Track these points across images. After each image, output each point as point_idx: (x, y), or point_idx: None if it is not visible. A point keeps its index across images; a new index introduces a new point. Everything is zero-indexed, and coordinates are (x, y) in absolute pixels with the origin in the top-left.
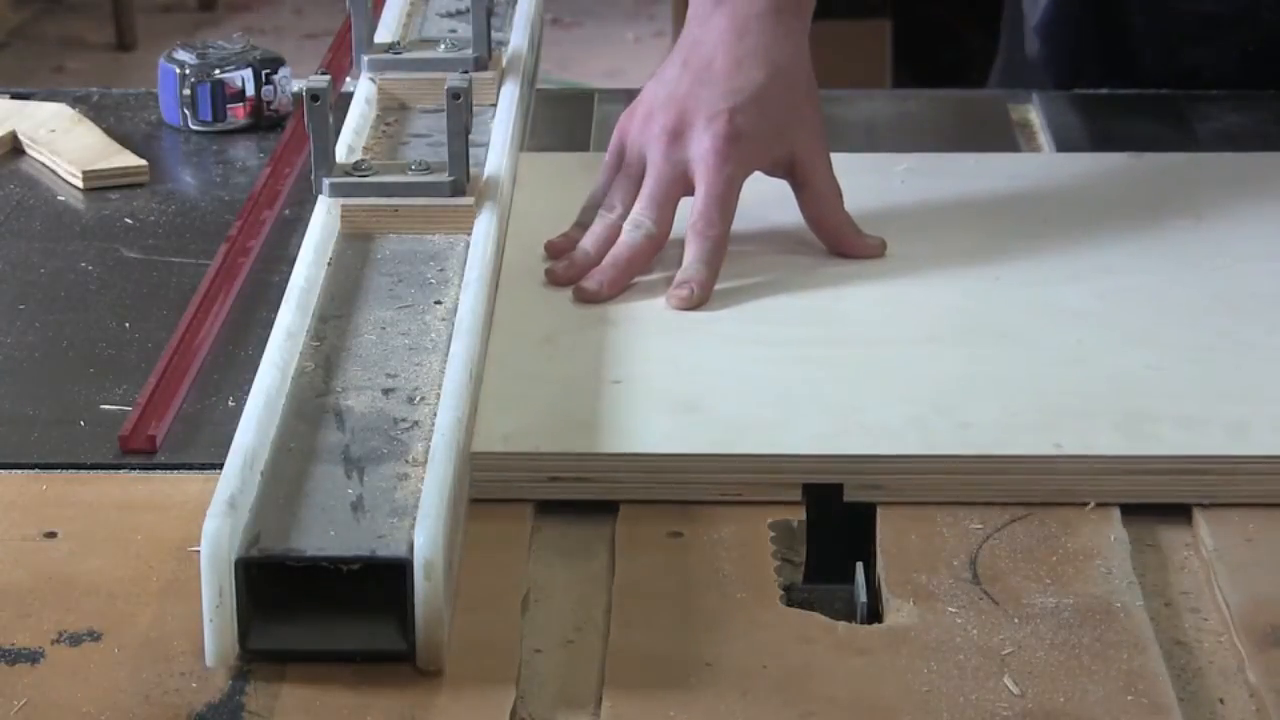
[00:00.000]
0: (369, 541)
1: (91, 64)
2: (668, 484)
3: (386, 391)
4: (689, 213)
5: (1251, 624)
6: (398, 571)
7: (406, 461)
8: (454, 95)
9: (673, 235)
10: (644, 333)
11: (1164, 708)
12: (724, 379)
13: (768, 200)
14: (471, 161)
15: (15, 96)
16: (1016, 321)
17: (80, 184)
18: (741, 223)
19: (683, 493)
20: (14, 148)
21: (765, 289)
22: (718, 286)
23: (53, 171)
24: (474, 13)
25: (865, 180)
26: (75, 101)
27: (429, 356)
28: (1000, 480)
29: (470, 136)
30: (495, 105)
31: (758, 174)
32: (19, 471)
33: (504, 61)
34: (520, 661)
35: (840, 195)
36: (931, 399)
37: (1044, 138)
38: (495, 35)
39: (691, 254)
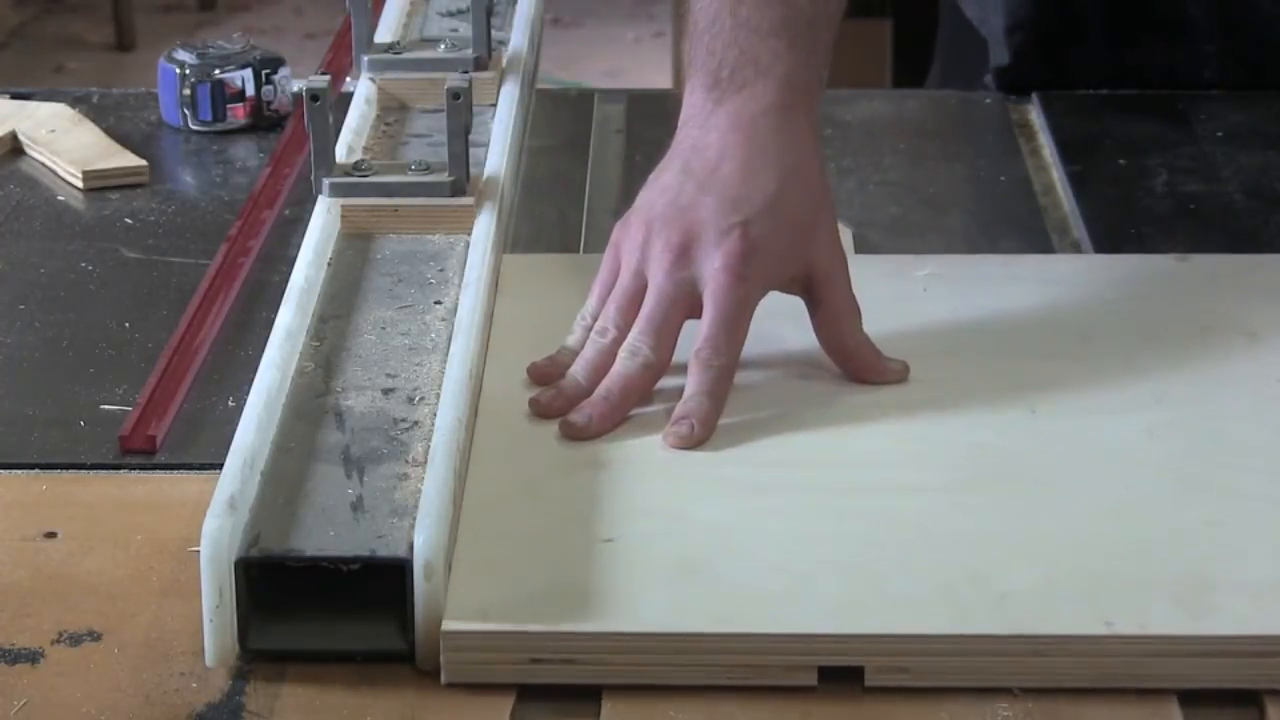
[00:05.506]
0: (369, 541)
1: (91, 64)
2: (664, 665)
3: (386, 391)
4: (694, 337)
5: None
6: (397, 571)
7: (406, 461)
8: (454, 95)
9: (675, 359)
10: (639, 478)
11: (1163, 707)
12: (727, 536)
13: (775, 314)
14: (471, 161)
15: (15, 96)
16: (1056, 465)
17: (80, 184)
18: (746, 343)
19: (681, 675)
20: (14, 148)
21: (774, 425)
22: (722, 421)
23: (53, 171)
24: (474, 13)
25: (885, 288)
26: (75, 101)
27: (429, 356)
28: (1041, 663)
29: (470, 136)
30: (495, 105)
31: None
32: (19, 471)
33: (504, 61)
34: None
35: (859, 314)
36: (962, 562)
37: (1044, 138)
38: (495, 35)
39: (694, 384)
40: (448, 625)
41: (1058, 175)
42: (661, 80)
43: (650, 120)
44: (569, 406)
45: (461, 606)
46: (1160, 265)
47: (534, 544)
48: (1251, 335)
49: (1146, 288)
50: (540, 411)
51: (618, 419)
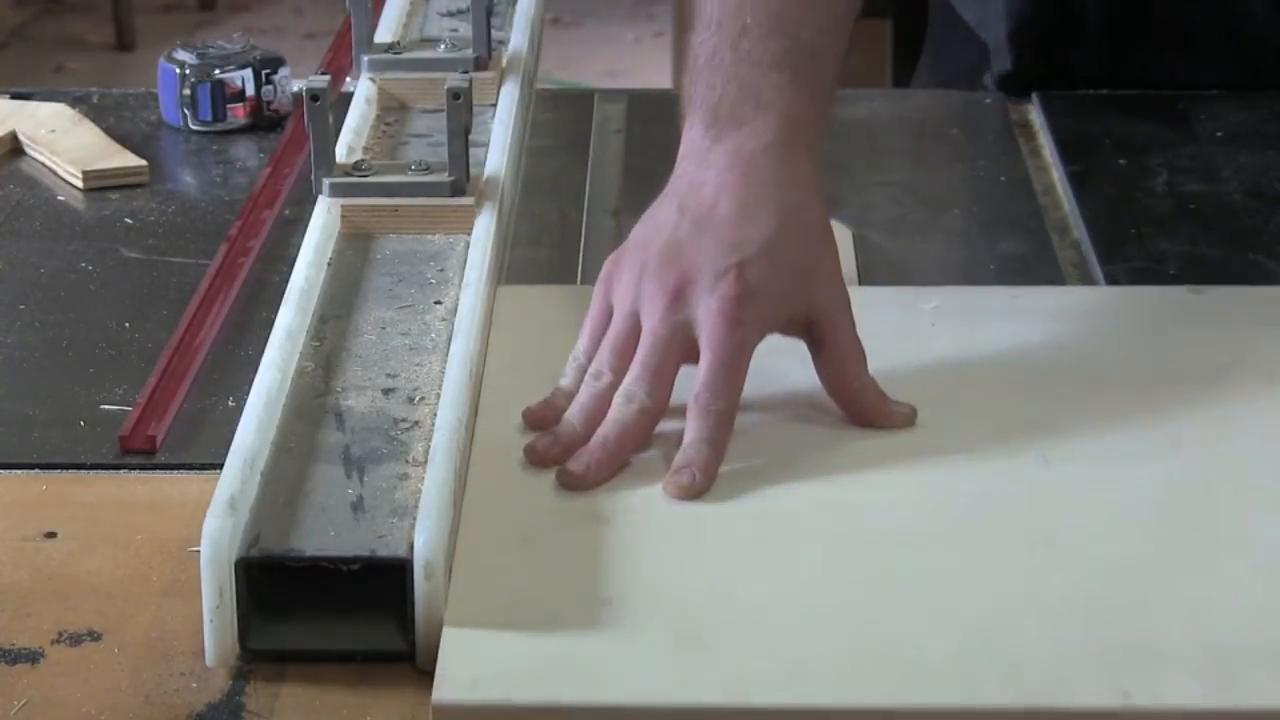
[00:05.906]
0: (369, 541)
1: (91, 64)
2: None
3: (386, 391)
4: (692, 381)
5: None
6: (398, 571)
7: (406, 461)
8: (454, 95)
9: (673, 403)
10: (639, 532)
11: None
12: (731, 596)
13: (777, 350)
14: (471, 161)
15: (15, 96)
16: (1070, 519)
17: (80, 184)
18: (747, 383)
19: None
20: (14, 148)
21: (777, 473)
22: (723, 469)
23: (53, 171)
24: (474, 13)
25: (891, 322)
26: (75, 101)
27: (429, 356)
28: None
29: (470, 136)
30: (495, 105)
31: None
32: (19, 471)
33: (504, 61)
34: None
35: (863, 355)
36: (974, 626)
37: (1044, 138)
38: (495, 35)
39: (693, 431)
40: (437, 698)
41: (1058, 175)
42: (661, 80)
43: (650, 120)
44: (566, 454)
45: (453, 675)
46: (1174, 298)
47: (529, 605)
48: (1269, 375)
49: (1161, 323)
50: (537, 460)
51: (615, 466)
